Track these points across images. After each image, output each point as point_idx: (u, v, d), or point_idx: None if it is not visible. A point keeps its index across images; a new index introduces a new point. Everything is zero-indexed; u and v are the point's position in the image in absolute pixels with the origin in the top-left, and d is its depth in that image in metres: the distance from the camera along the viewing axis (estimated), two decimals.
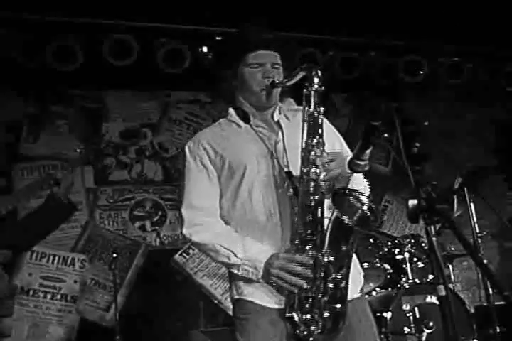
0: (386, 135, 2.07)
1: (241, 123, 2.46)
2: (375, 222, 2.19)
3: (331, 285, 2.17)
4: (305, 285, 2.16)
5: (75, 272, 5.23)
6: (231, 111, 2.52)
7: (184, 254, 5.47)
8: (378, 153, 5.94)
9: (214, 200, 2.41)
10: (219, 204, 2.41)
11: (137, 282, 5.36)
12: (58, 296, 5.15)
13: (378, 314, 4.05)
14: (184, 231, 2.40)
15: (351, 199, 2.21)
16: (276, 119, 2.49)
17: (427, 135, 6.14)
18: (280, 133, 2.42)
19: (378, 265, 4.48)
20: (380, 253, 4.53)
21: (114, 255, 4.73)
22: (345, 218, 2.11)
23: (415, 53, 5.90)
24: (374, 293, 4.41)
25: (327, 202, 2.22)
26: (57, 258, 5.20)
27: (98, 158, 3.45)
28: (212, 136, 2.47)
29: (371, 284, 4.47)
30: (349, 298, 2.25)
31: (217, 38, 5.31)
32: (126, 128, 5.64)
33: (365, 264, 4.43)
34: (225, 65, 2.57)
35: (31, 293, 5.09)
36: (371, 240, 4.56)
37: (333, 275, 2.17)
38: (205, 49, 5.33)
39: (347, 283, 2.21)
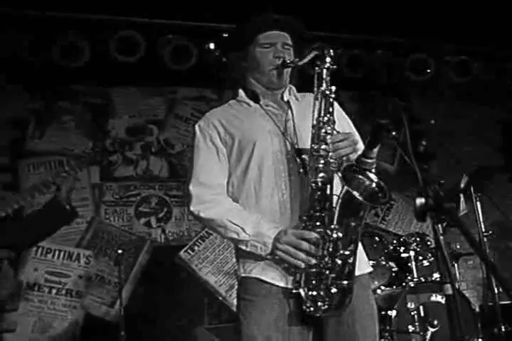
0: (394, 133, 2.07)
1: (251, 102, 2.47)
2: (384, 198, 2.19)
3: (339, 262, 2.18)
4: (312, 261, 2.16)
5: (80, 267, 5.25)
6: (241, 92, 2.52)
7: (189, 251, 5.48)
8: (384, 151, 5.93)
9: (222, 178, 2.41)
10: (228, 181, 2.42)
11: (142, 278, 5.36)
12: (63, 291, 5.17)
13: (383, 312, 4.05)
14: (192, 209, 2.38)
15: (360, 176, 2.21)
16: (286, 99, 2.50)
17: (432, 134, 6.14)
18: (290, 112, 2.44)
19: (383, 263, 4.48)
20: (386, 251, 4.53)
21: (120, 251, 4.74)
22: (355, 193, 2.11)
23: (421, 52, 5.88)
24: (379, 291, 4.40)
25: (336, 179, 2.23)
26: (62, 253, 5.21)
27: (104, 154, 3.46)
28: (223, 115, 2.48)
29: (376, 282, 4.46)
30: (357, 273, 2.27)
31: (223, 35, 5.31)
32: (132, 124, 5.64)
33: (371, 262, 4.42)
34: (235, 47, 2.58)
35: (36, 288, 5.10)
36: (377, 238, 4.56)
37: (342, 251, 2.17)
38: (211, 46, 5.33)
39: (355, 259, 2.22)
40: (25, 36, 4.91)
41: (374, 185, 2.21)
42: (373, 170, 2.25)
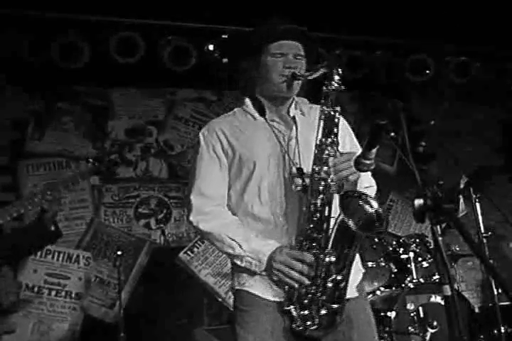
0: (393, 134, 2.07)
1: (256, 115, 2.45)
2: (380, 227, 2.18)
3: (330, 285, 2.19)
4: (305, 282, 2.17)
5: (79, 269, 5.24)
6: (247, 101, 2.50)
7: (189, 252, 5.47)
8: (384, 152, 5.93)
9: (223, 190, 2.42)
10: (228, 193, 2.42)
11: (141, 279, 5.36)
12: (63, 293, 5.16)
13: (382, 313, 4.05)
14: (191, 219, 2.39)
15: (360, 202, 2.21)
16: (292, 115, 2.48)
17: (432, 134, 6.13)
18: (294, 128, 2.42)
19: (383, 264, 4.47)
20: (385, 252, 4.52)
21: (119, 252, 4.73)
22: (350, 223, 2.11)
23: (421, 52, 5.88)
24: (378, 293, 4.40)
25: (335, 201, 2.23)
26: (62, 255, 5.21)
27: (103, 156, 3.46)
28: (227, 126, 2.46)
29: (375, 283, 4.46)
30: (349, 296, 2.28)
31: (223, 36, 5.31)
32: (131, 125, 5.64)
33: (370, 263, 4.43)
34: (246, 55, 2.55)
35: (36, 289, 5.10)
36: (376, 239, 4.55)
37: (334, 276, 2.19)
38: (211, 47, 5.33)
39: (346, 284, 2.23)
40: (25, 37, 4.90)
41: (373, 211, 2.20)
42: (375, 198, 2.23)
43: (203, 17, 5.09)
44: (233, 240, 2.28)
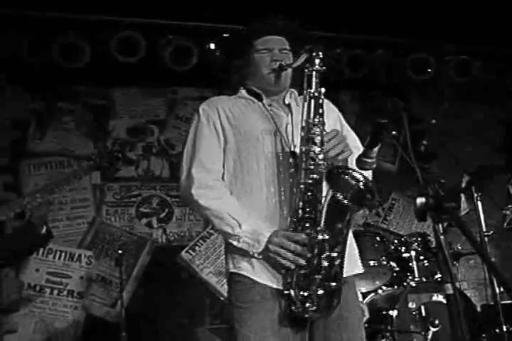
0: (394, 133, 2.07)
1: (254, 99, 2.50)
2: (371, 200, 2.19)
3: (325, 263, 2.19)
4: (300, 262, 2.17)
5: (81, 268, 5.25)
6: (242, 91, 2.55)
7: (190, 251, 5.48)
8: (385, 150, 5.93)
9: (221, 165, 2.43)
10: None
11: (143, 279, 5.36)
12: (65, 292, 5.17)
13: (384, 312, 4.05)
14: (193, 191, 2.35)
15: (346, 177, 2.22)
16: (287, 102, 2.53)
17: (433, 133, 6.13)
18: (290, 115, 2.47)
19: (384, 263, 4.47)
20: (387, 251, 4.52)
21: (120, 251, 4.74)
22: (339, 196, 2.12)
23: (422, 52, 5.88)
24: (380, 291, 4.40)
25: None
26: (63, 254, 5.21)
27: (111, 160, 3.47)
28: (227, 104, 2.50)
29: (377, 282, 4.46)
30: (346, 274, 2.29)
31: (224, 35, 5.31)
32: (132, 125, 5.65)
33: (372, 262, 4.42)
34: (235, 55, 2.63)
35: (38, 288, 5.11)
36: (378, 238, 4.56)
37: (328, 253, 2.19)
38: (212, 46, 5.33)
39: (342, 261, 2.23)
40: (26, 36, 4.91)
41: (361, 184, 2.21)
42: (360, 171, 2.24)
43: (204, 16, 5.09)
44: (233, 219, 2.28)
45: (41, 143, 5.37)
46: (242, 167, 2.38)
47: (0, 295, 3.64)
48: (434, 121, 5.92)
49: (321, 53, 2.32)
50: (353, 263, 2.41)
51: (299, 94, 2.55)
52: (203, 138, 2.43)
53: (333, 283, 2.21)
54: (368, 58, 5.74)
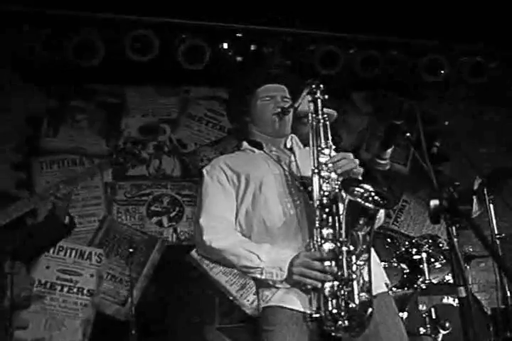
0: (408, 134, 2.06)
1: (255, 149, 2.57)
2: (387, 204, 2.20)
3: (353, 275, 2.15)
4: (328, 278, 2.14)
5: (91, 266, 5.26)
6: (244, 143, 2.63)
7: None
8: (397, 152, 5.91)
9: (231, 213, 2.44)
10: (236, 219, 2.44)
11: (153, 277, 5.38)
12: (75, 290, 5.19)
13: None
14: (204, 238, 2.36)
15: (357, 188, 2.21)
16: (288, 146, 2.61)
17: (446, 135, 6.10)
18: (293, 156, 2.53)
19: (395, 265, 4.46)
20: (397, 252, 4.51)
21: (131, 250, 4.75)
22: (358, 200, 2.11)
23: (436, 52, 5.85)
24: (390, 293, 4.38)
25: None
26: (74, 251, 5.23)
27: (126, 156, 3.47)
28: (229, 159, 2.57)
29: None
30: (375, 292, 2.23)
31: (237, 35, 5.32)
32: (145, 123, 5.66)
33: (382, 263, 4.40)
34: (237, 101, 2.72)
35: (48, 285, 5.13)
36: (389, 240, 4.55)
37: (355, 261, 2.16)
38: (225, 45, 5.34)
39: (370, 270, 2.19)
40: (40, 35, 4.93)
41: (373, 194, 2.20)
42: (368, 183, 2.24)
43: (218, 15, 5.10)
44: (251, 252, 2.26)
45: (54, 141, 5.40)
46: (255, 204, 2.39)
47: (11, 291, 3.65)
48: (447, 123, 5.89)
49: (321, 85, 2.39)
50: (379, 281, 2.37)
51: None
52: (209, 192, 2.47)
53: (363, 294, 2.16)
54: (381, 59, 5.72)
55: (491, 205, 4.27)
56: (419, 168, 1.98)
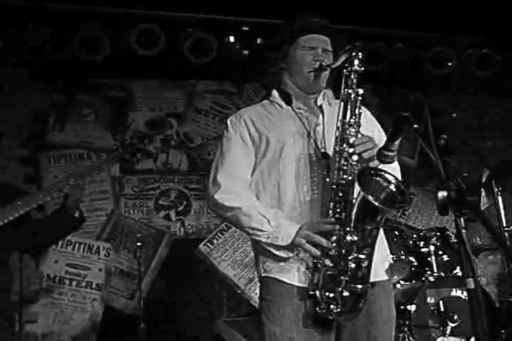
0: (416, 126, 2.05)
1: (283, 104, 2.50)
2: (402, 203, 2.18)
3: (352, 265, 2.17)
4: (328, 244, 2.16)
5: (100, 260, 5.28)
6: (274, 92, 2.55)
7: (208, 244, 5.49)
8: (404, 144, 5.89)
9: (248, 171, 2.44)
10: (252, 178, 2.44)
11: (161, 271, 5.39)
12: (83, 284, 5.21)
13: (402, 307, 4.03)
14: (216, 196, 2.37)
15: (378, 178, 2.20)
16: (319, 104, 2.52)
17: (453, 127, 6.08)
18: (321, 116, 2.46)
19: (403, 257, 4.45)
20: (405, 245, 4.50)
21: (139, 244, 4.76)
22: (370, 198, 2.10)
23: (443, 45, 5.83)
24: (398, 286, 4.38)
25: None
26: (82, 246, 5.25)
27: (125, 148, 3.48)
28: (254, 114, 2.52)
29: (396, 276, 4.44)
30: (374, 279, 2.27)
31: (243, 28, 5.30)
32: (151, 117, 5.66)
33: (391, 256, 4.41)
34: (274, 47, 2.61)
35: (57, 280, 5.15)
36: (396, 232, 4.54)
37: (355, 254, 2.17)
38: (231, 39, 5.33)
39: (370, 264, 2.20)
40: (46, 30, 4.92)
41: (392, 186, 2.19)
42: (391, 172, 2.23)
43: (224, 9, 5.09)
44: (263, 216, 2.28)
45: (61, 136, 5.41)
46: (272, 172, 2.38)
47: (20, 285, 3.67)
48: (454, 115, 5.88)
49: (360, 54, 2.32)
50: (380, 270, 2.38)
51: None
52: (231, 147, 2.46)
53: (359, 286, 2.18)
54: (388, 52, 5.70)
55: (499, 197, 4.26)
56: (427, 160, 1.97)
